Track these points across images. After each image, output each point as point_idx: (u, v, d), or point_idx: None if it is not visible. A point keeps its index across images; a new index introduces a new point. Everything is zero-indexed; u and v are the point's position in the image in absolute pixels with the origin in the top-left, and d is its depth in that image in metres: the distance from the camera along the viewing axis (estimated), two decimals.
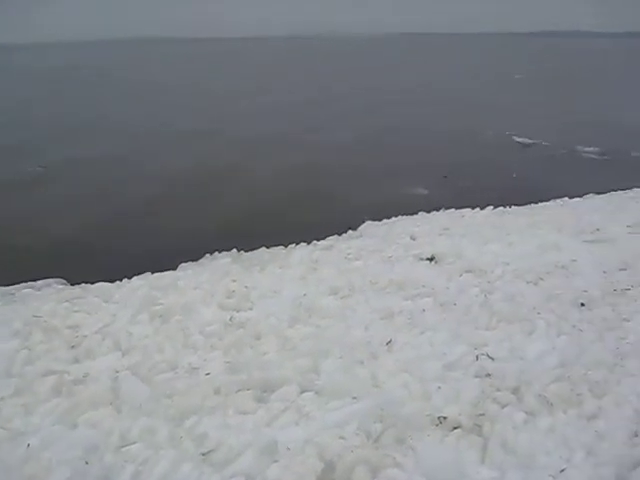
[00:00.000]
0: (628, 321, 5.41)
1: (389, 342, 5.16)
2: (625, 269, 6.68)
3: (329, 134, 20.04)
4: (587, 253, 7.24)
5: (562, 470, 3.53)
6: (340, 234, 9.04)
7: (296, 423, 4.04)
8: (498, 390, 4.40)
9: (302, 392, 4.39)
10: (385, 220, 9.73)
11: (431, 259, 7.25)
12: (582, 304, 5.78)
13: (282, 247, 8.45)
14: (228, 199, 12.40)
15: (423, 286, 6.41)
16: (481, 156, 16.04)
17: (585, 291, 6.07)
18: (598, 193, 10.93)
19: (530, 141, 18.23)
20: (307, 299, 6.21)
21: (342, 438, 3.83)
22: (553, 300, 5.88)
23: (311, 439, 3.83)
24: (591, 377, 4.49)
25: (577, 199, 10.54)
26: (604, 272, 6.61)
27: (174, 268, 7.65)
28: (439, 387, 4.42)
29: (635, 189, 11.27)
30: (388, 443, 3.80)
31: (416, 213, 9.89)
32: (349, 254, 7.80)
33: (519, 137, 18.78)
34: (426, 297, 6.08)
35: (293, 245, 8.47)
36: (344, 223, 9.46)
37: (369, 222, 9.63)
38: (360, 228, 9.38)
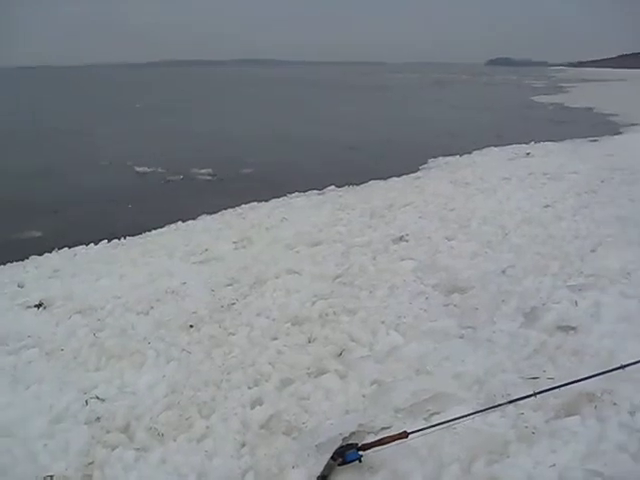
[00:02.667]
0: (234, 335, 5.74)
1: None
2: (231, 284, 7.10)
3: None
4: (196, 274, 7.51)
5: None
6: None
7: None
8: (108, 432, 4.25)
9: None
10: None
11: (39, 305, 6.71)
12: (191, 326, 5.95)
13: None
14: None
15: (29, 336, 5.82)
16: (98, 188, 15.42)
17: (194, 312, 6.26)
18: (210, 213, 11.42)
19: (148, 169, 18.26)
20: None
21: None
22: (163, 327, 5.92)
23: None
24: (200, 398, 4.63)
25: (190, 222, 10.87)
26: (212, 290, 6.92)
27: None
28: (45, 444, 4.08)
29: (243, 205, 11.99)
30: None
31: (27, 258, 9.01)
32: None
33: (138, 166, 18.69)
34: (32, 348, 5.55)
35: None
36: None
37: None
38: None
